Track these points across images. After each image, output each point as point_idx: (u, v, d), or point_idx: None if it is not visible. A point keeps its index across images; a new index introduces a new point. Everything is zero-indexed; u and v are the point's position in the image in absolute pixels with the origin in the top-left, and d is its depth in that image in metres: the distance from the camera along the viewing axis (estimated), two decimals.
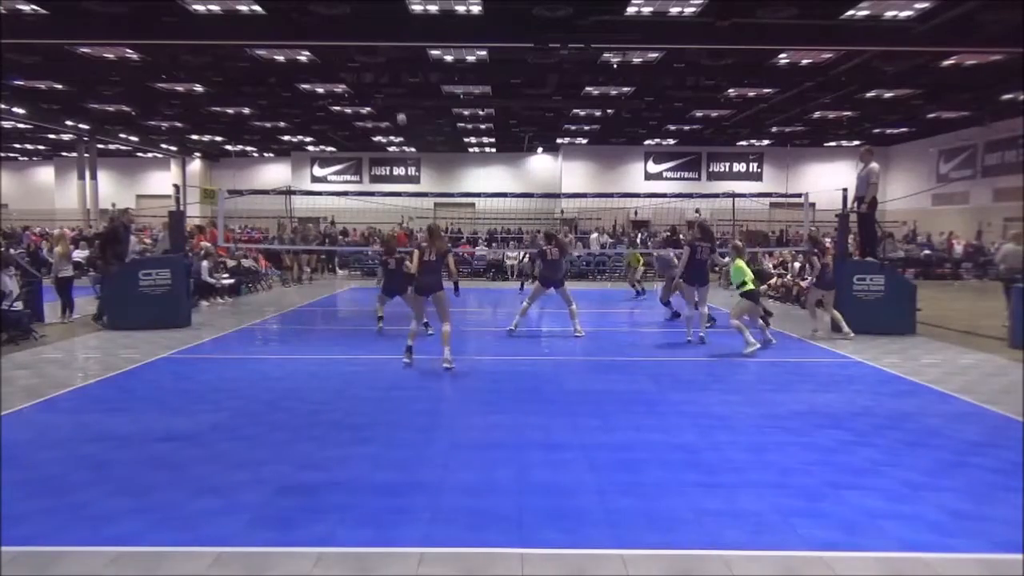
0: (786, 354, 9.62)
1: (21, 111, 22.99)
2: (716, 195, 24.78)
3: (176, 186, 12.61)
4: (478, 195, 23.24)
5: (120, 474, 4.80)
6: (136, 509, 4.20)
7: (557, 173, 33.85)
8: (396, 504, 4.30)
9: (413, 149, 34.41)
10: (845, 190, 11.76)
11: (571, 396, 7.14)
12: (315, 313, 14.31)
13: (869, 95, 20.76)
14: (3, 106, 21.93)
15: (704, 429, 5.91)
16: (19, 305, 10.30)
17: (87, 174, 28.37)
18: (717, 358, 9.17)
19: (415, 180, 34.96)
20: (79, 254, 17.52)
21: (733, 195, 19.21)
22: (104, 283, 11.49)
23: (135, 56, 16.84)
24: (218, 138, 31.87)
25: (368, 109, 23.69)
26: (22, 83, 19.84)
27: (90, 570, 3.53)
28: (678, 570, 3.57)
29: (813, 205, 13.45)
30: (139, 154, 35.40)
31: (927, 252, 23.47)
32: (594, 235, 25.40)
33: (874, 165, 11.38)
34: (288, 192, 19.33)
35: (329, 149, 34.59)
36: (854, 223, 12.04)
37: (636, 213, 29.82)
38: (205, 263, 14.18)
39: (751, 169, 33.10)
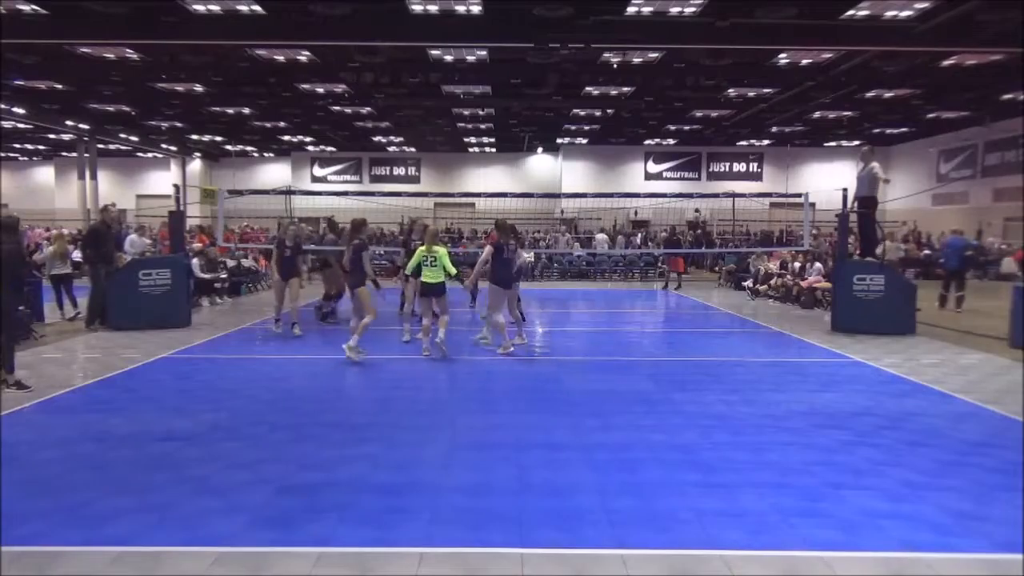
0: (786, 354, 9.62)
1: (21, 111, 22.99)
2: (716, 195, 24.81)
3: (176, 186, 12.59)
4: (478, 195, 23.25)
5: (120, 474, 4.80)
6: (136, 509, 4.21)
7: (557, 173, 33.86)
8: (396, 504, 4.31)
9: (413, 149, 34.41)
10: (845, 190, 11.77)
11: (571, 396, 7.14)
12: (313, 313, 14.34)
13: (869, 95, 20.76)
14: (3, 106, 21.94)
15: (704, 429, 5.91)
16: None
17: (87, 174, 28.38)
18: (718, 359, 9.16)
19: (415, 180, 34.97)
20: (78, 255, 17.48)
21: (734, 195, 19.19)
22: (94, 286, 11.23)
23: (135, 56, 16.84)
24: (218, 138, 31.87)
25: (368, 109, 23.69)
26: (22, 83, 19.84)
27: (91, 570, 3.53)
28: (678, 570, 3.57)
29: (813, 205, 13.47)
30: (139, 154, 35.40)
31: (927, 252, 23.46)
32: (600, 235, 25.29)
33: (875, 164, 11.43)
34: (288, 192, 19.30)
35: (329, 149, 34.58)
36: (854, 223, 12.06)
37: (636, 213, 29.85)
38: (196, 260, 14.20)
39: (751, 169, 33.13)
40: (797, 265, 16.14)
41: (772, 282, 16.50)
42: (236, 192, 15.74)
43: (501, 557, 3.67)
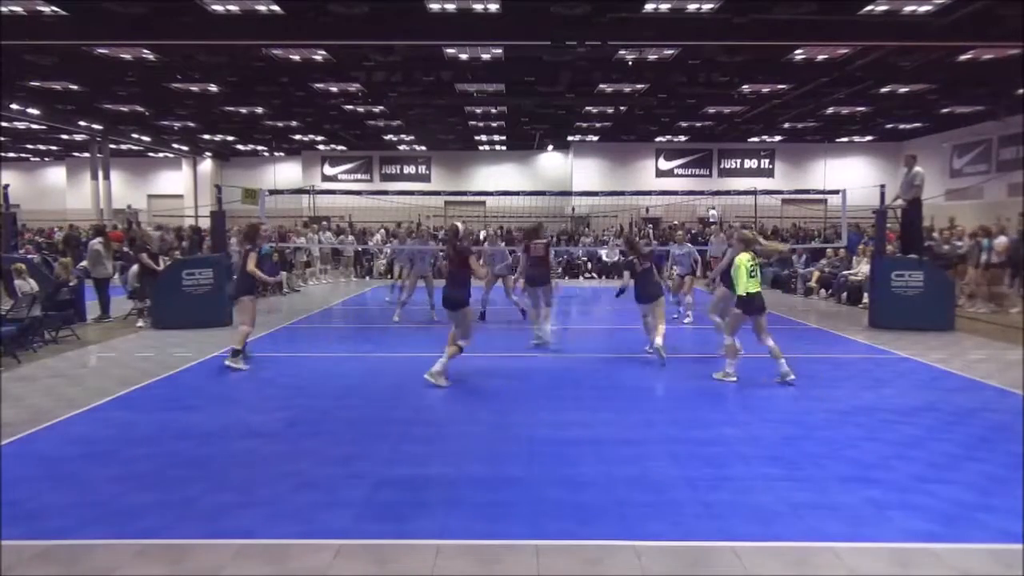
0: (831, 350, 9.60)
1: (36, 112, 23.08)
2: (732, 192, 24.67)
3: (218, 186, 12.74)
4: (490, 194, 23.21)
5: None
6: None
7: (568, 171, 33.80)
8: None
9: (424, 147, 34.40)
10: (883, 186, 11.88)
11: (636, 392, 7.23)
12: (348, 311, 14.73)
13: (884, 90, 20.65)
14: (16, 106, 22.02)
15: (775, 424, 5.97)
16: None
17: (100, 174, 28.49)
18: (751, 355, 9.14)
19: (426, 179, 34.95)
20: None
21: (755, 192, 19.20)
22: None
23: (151, 56, 16.88)
24: (229, 137, 31.92)
25: (381, 108, 23.70)
26: (37, 84, 19.91)
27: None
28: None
29: (825, 201, 13.53)
30: (150, 154, 35.51)
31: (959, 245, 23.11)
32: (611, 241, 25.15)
33: (918, 169, 11.64)
34: (312, 191, 19.54)
35: (339, 148, 34.58)
36: (892, 220, 12.20)
37: (648, 211, 29.79)
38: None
39: (762, 165, 32.93)
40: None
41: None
42: (277, 192, 15.91)
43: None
